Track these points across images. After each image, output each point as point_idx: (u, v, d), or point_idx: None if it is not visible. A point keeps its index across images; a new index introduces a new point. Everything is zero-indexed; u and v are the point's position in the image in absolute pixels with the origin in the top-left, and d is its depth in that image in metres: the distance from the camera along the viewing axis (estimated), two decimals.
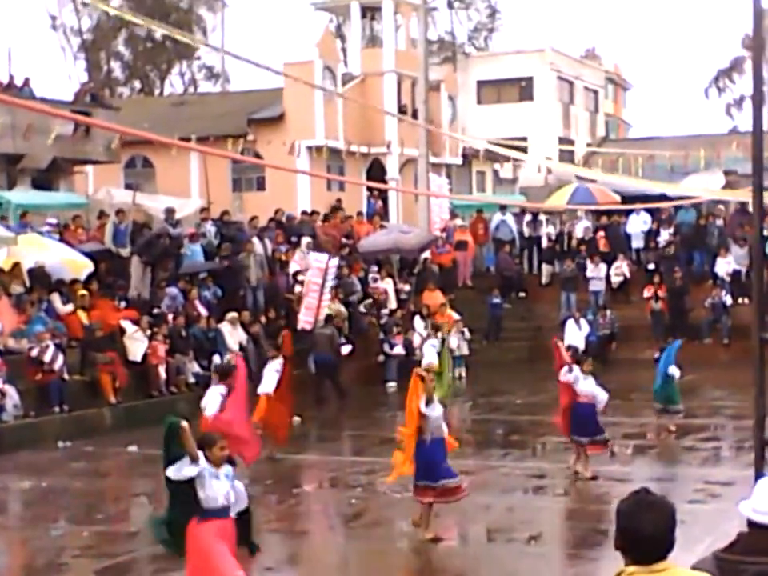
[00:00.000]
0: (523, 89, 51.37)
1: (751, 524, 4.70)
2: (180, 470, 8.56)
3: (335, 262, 25.51)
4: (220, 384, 15.07)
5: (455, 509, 14.53)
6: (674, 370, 20.47)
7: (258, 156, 32.65)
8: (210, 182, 32.84)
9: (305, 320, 24.58)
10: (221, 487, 8.54)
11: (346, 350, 24.91)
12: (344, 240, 29.80)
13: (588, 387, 15.32)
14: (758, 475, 6.19)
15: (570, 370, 15.19)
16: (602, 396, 15.49)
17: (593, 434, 15.25)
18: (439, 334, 23.56)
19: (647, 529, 4.13)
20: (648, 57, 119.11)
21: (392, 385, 25.47)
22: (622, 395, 24.61)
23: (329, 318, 24.84)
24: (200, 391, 22.13)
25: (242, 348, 23.64)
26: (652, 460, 17.74)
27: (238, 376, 14.93)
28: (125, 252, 25.17)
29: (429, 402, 12.02)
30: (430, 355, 21.92)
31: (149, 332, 22.22)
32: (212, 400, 14.71)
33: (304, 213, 30.74)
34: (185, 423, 8.56)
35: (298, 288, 25.98)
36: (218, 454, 8.60)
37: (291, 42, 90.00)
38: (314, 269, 24.96)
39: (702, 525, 11.74)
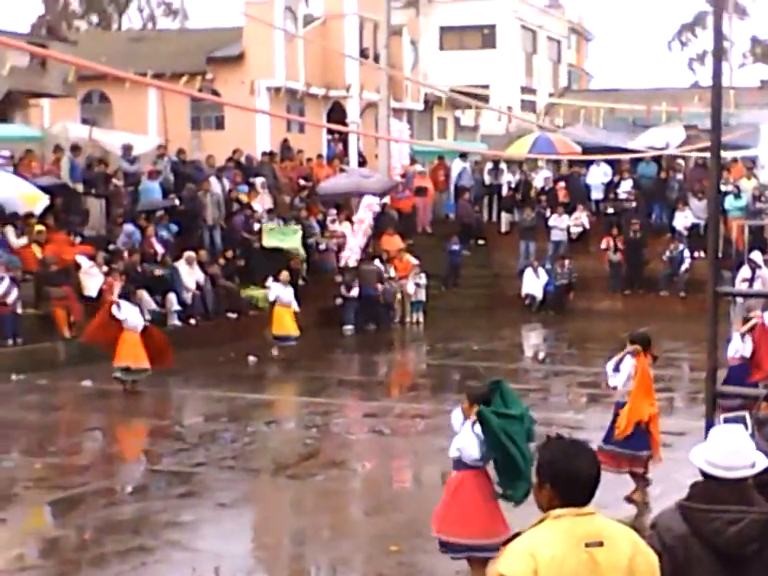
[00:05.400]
0: (486, 36, 51.01)
1: (706, 475, 4.74)
2: None
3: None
4: None
5: (410, 451, 14.56)
6: None
7: (216, 95, 32.19)
8: (168, 120, 32.38)
9: (352, 256, 26.80)
10: None
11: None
12: (302, 182, 29.56)
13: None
14: (709, 426, 6.06)
15: None
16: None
17: None
18: None
19: (584, 470, 4.29)
20: (611, 9, 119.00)
21: (349, 328, 25.54)
22: (577, 344, 24.78)
23: (370, 255, 27.02)
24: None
25: (198, 287, 23.48)
26: (605, 408, 17.72)
27: None
28: (80, 187, 24.79)
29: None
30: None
31: (104, 268, 21.98)
32: None
33: (264, 153, 30.42)
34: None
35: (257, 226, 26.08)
36: None
37: None
38: (366, 208, 27.20)
39: (655, 474, 11.80)
